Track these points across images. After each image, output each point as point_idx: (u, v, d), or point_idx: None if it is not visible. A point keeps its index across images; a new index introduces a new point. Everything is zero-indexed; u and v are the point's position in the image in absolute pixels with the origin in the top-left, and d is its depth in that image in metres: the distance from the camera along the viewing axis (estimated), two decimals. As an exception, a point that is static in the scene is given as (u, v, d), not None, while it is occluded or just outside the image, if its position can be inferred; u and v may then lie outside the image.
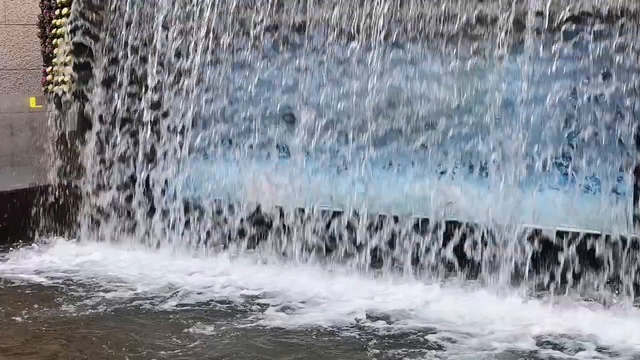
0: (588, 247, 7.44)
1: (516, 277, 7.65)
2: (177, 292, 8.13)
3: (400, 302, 7.64)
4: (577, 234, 7.51)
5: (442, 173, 8.12)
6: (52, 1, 10.40)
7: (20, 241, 9.88)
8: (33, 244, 9.87)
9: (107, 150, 10.04)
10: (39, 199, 10.11)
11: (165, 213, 9.59)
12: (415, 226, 8.18)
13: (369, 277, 8.26)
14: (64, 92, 10.23)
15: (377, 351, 6.62)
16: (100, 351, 6.69)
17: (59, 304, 7.86)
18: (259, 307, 7.68)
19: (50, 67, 10.42)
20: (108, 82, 10.04)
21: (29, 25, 11.41)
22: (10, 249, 9.76)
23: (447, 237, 8.06)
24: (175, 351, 6.63)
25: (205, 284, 8.36)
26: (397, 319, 7.28)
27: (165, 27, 9.58)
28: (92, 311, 7.65)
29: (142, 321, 7.39)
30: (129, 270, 8.85)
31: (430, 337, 6.87)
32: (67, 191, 10.20)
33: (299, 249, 8.67)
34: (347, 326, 7.16)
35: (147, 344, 6.79)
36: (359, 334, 7.00)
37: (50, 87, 10.40)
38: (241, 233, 9.14)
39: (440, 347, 6.67)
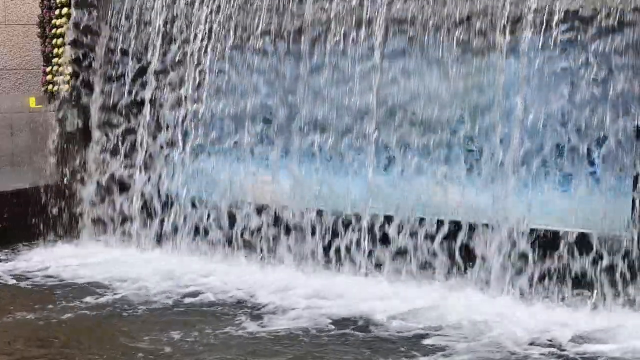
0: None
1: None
2: (172, 295, 8.16)
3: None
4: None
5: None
6: (52, 1, 10.39)
7: (20, 242, 9.86)
8: (33, 245, 9.85)
9: (108, 150, 10.03)
10: (39, 199, 10.10)
11: (166, 214, 9.60)
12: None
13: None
14: (64, 92, 10.22)
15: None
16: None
17: (47, 307, 7.82)
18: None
19: (50, 67, 10.41)
20: (109, 80, 10.03)
21: (29, 25, 11.39)
22: (10, 249, 9.74)
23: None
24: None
25: (203, 285, 8.37)
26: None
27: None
28: (74, 315, 7.62)
29: (125, 326, 7.34)
30: (124, 272, 8.80)
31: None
32: (67, 191, 10.19)
33: None
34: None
35: (125, 350, 6.76)
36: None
37: (50, 87, 10.39)
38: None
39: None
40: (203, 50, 9.30)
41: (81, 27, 10.09)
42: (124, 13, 9.86)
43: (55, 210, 10.12)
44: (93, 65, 10.12)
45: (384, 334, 7.03)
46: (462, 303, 7.52)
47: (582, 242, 7.42)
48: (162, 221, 9.59)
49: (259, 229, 8.94)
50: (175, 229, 9.49)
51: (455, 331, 6.99)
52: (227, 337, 7.02)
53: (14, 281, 8.70)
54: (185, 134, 9.48)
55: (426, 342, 6.84)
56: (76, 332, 7.24)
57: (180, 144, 9.49)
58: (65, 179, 10.21)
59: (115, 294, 8.19)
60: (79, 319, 7.53)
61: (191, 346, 6.80)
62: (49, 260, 9.34)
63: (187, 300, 7.99)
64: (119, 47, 9.94)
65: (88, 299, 8.03)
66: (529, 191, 7.62)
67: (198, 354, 6.66)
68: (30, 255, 9.53)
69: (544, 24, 7.49)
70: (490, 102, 7.75)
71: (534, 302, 7.50)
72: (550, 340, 6.77)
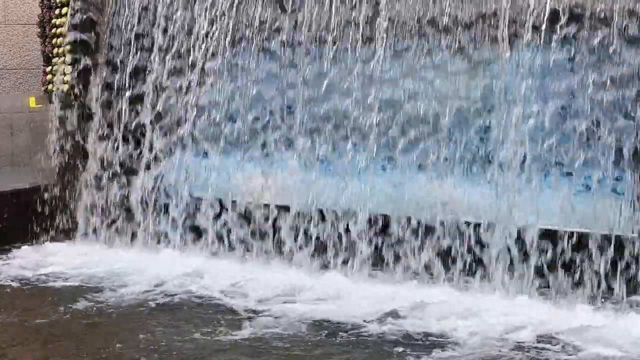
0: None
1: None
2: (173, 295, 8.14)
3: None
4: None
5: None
6: (52, 1, 10.38)
7: (20, 242, 9.84)
8: (32, 245, 9.84)
9: (108, 150, 10.01)
10: (39, 199, 10.09)
11: (166, 213, 9.57)
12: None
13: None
14: (64, 91, 10.21)
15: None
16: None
17: (42, 308, 7.80)
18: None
19: (50, 67, 10.40)
20: (109, 79, 10.02)
21: (29, 25, 11.39)
22: (9, 249, 9.70)
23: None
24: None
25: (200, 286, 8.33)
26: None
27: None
28: (63, 317, 7.58)
29: (114, 329, 7.28)
30: (122, 272, 8.79)
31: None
32: (67, 191, 10.18)
33: None
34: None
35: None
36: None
37: (50, 86, 10.38)
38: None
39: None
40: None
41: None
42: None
43: (55, 210, 10.11)
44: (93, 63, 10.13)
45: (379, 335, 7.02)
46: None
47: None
48: (164, 221, 9.57)
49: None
50: (176, 229, 9.48)
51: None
52: (216, 340, 6.95)
53: (11, 282, 8.68)
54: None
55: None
56: (62, 333, 7.20)
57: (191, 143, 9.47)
58: (65, 179, 10.19)
59: (112, 295, 8.15)
60: (67, 321, 7.50)
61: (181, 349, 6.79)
62: (48, 260, 9.31)
63: (189, 301, 7.98)
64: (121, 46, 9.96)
65: (82, 300, 7.98)
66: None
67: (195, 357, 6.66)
68: (29, 256, 9.49)
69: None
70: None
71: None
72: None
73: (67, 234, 10.09)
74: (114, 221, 9.87)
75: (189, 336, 7.01)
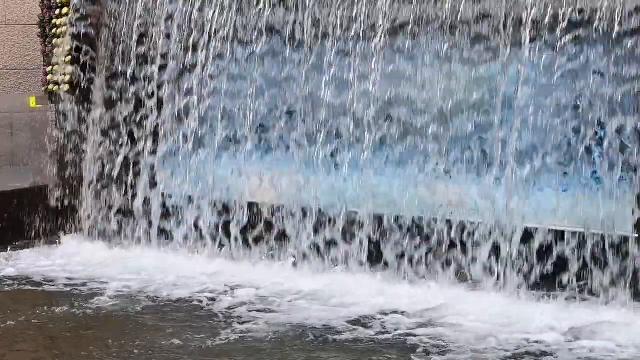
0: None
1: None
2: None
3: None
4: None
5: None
6: (52, 1, 10.40)
7: (20, 241, 9.83)
8: (32, 245, 9.84)
9: (108, 149, 10.02)
10: (39, 199, 10.09)
11: (167, 211, 9.58)
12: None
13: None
14: (64, 91, 10.21)
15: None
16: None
17: (20, 310, 7.70)
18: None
19: (50, 67, 10.41)
20: (110, 79, 10.02)
21: (29, 25, 11.42)
22: (9, 249, 9.67)
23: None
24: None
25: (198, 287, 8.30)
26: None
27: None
28: (56, 318, 7.51)
29: (106, 332, 7.18)
30: (120, 273, 8.75)
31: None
32: (67, 191, 10.18)
33: None
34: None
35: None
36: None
37: (50, 86, 10.38)
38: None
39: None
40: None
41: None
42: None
43: (54, 211, 10.11)
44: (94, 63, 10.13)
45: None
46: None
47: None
48: (167, 221, 9.57)
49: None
50: (176, 230, 9.48)
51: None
52: (209, 343, 6.86)
53: (10, 282, 8.65)
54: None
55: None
56: (28, 337, 7.14)
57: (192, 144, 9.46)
58: (65, 178, 10.20)
59: (98, 297, 8.05)
60: (41, 324, 7.40)
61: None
62: (45, 261, 9.29)
63: (192, 303, 7.92)
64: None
65: (68, 301, 7.90)
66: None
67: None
68: (27, 256, 9.48)
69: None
70: None
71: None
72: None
73: (67, 234, 10.09)
74: (115, 222, 9.87)
75: (175, 340, 6.91)
